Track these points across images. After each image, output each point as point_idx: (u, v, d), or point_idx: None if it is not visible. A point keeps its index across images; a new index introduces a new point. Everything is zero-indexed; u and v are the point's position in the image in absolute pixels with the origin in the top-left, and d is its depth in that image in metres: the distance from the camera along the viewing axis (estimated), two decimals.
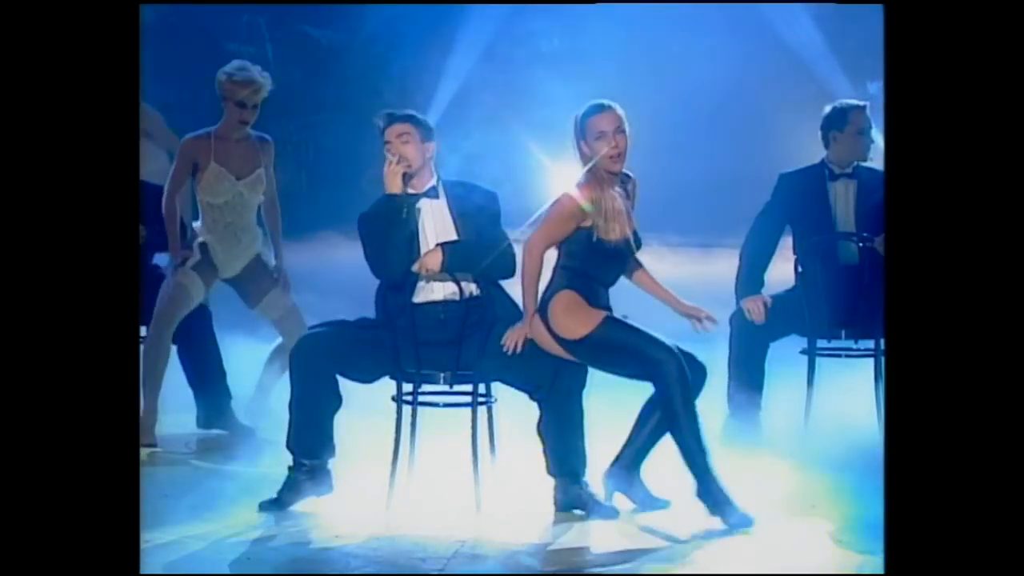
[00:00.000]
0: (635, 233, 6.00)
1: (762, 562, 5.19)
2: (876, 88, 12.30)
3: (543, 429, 5.96)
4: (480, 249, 6.03)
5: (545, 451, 5.96)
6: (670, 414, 5.73)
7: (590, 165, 5.96)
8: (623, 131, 5.96)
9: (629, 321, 5.91)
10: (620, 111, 5.99)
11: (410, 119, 6.11)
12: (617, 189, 5.97)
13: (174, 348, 7.39)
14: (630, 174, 6.10)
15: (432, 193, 6.12)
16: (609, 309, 5.96)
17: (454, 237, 6.08)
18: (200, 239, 7.50)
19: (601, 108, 5.99)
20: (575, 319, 5.85)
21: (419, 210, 6.08)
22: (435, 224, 6.09)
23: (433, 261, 5.98)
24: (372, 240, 6.01)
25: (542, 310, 5.89)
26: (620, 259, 6.02)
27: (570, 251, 5.95)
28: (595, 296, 5.94)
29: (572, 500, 5.89)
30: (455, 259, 5.99)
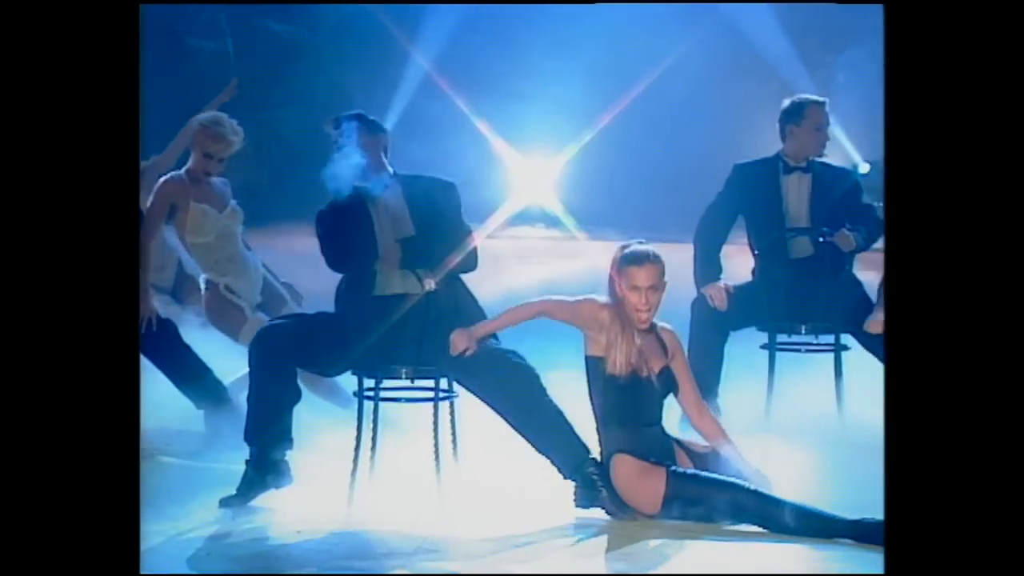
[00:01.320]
0: (668, 376, 5.81)
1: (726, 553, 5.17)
2: (843, 80, 12.34)
3: (523, 434, 5.86)
4: (441, 242, 5.98)
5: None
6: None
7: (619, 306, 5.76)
8: (658, 288, 5.74)
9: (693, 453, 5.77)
10: (661, 264, 5.74)
11: (355, 118, 6.09)
12: (644, 334, 5.78)
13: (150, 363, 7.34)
14: (667, 327, 5.91)
15: (385, 187, 6.07)
16: (669, 447, 5.75)
17: (411, 230, 6.03)
18: (223, 283, 7.41)
19: (643, 260, 5.72)
20: (641, 492, 5.61)
21: (374, 205, 6.03)
22: (391, 218, 6.05)
23: (393, 255, 5.93)
24: (327, 236, 6.00)
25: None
26: (645, 397, 5.74)
27: (594, 398, 5.79)
28: (646, 444, 5.70)
29: (589, 500, 5.75)
30: (415, 253, 5.94)
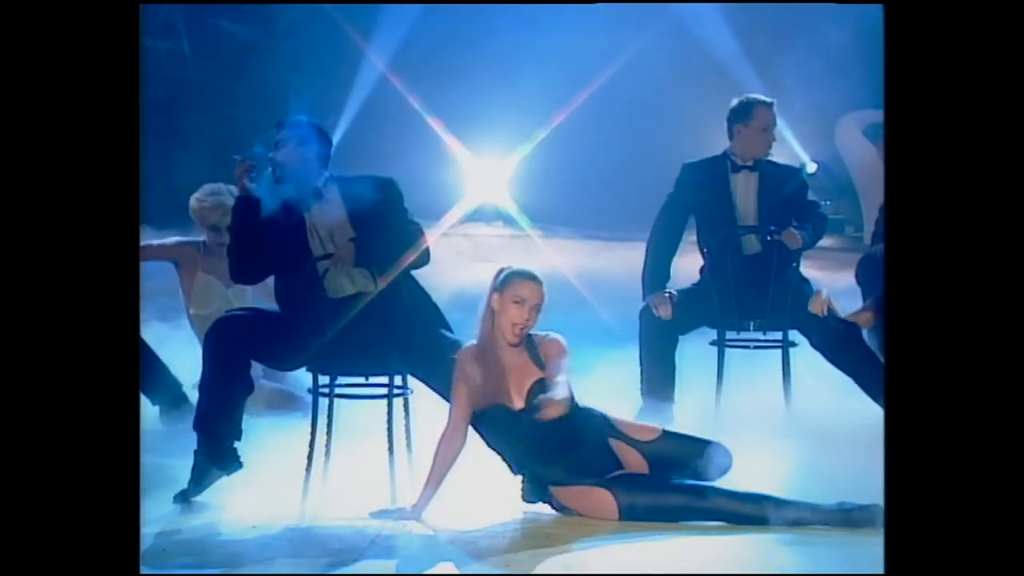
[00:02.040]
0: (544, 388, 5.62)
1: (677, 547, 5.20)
2: (791, 81, 12.40)
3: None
4: (387, 240, 5.97)
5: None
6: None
7: (487, 326, 5.70)
8: (538, 310, 5.68)
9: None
10: (544, 290, 5.71)
11: (296, 122, 6.10)
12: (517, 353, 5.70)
13: None
14: (551, 337, 5.76)
15: (322, 191, 6.06)
16: (603, 452, 5.68)
17: (349, 231, 6.02)
18: None
19: (532, 277, 5.70)
20: (594, 510, 5.54)
21: (308, 210, 6.02)
22: (325, 221, 6.04)
23: (346, 256, 5.94)
24: (243, 238, 6.00)
25: None
26: (537, 426, 5.56)
27: (499, 449, 5.74)
28: (574, 464, 5.60)
29: (535, 496, 5.73)
30: (363, 253, 5.95)
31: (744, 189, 7.39)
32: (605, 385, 7.30)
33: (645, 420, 6.95)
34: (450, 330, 6.12)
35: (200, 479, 5.91)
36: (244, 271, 6.09)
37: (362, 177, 6.13)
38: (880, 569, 4.30)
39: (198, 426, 5.96)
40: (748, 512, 5.40)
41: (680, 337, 7.32)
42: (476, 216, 14.29)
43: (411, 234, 6.02)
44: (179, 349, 7.85)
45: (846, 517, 5.33)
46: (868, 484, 5.28)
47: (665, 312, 7.23)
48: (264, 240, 5.97)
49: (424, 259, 6.05)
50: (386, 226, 6.01)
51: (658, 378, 7.22)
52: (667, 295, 7.27)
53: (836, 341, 7.17)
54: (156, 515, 5.64)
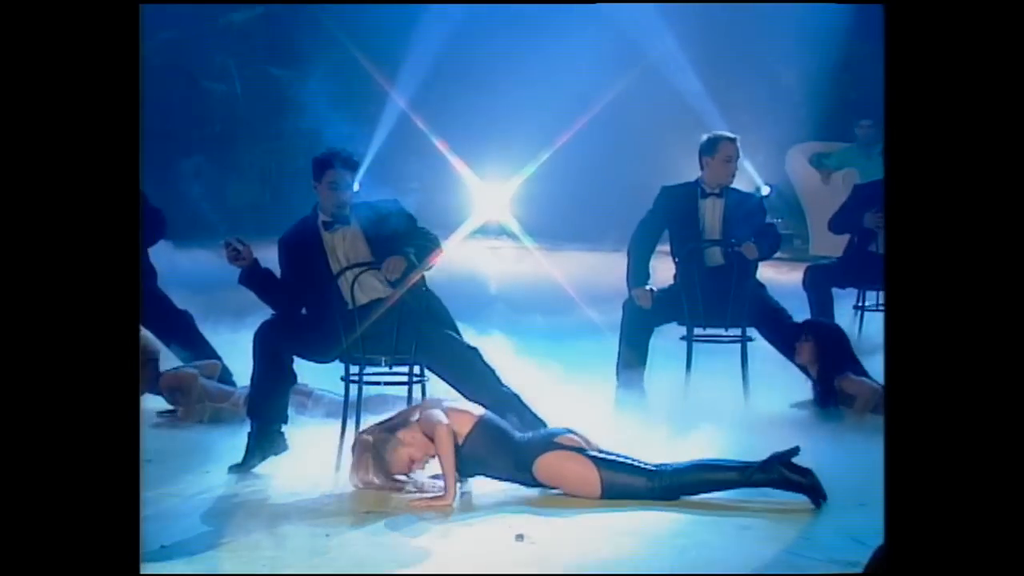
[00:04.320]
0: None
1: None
2: (746, 119, 12.38)
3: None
4: (407, 250, 5.93)
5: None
6: None
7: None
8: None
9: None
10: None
11: (330, 161, 6.02)
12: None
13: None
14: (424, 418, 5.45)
15: (343, 219, 6.06)
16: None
17: (366, 252, 6.02)
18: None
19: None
20: (573, 478, 5.34)
21: (332, 239, 6.04)
22: (345, 245, 6.05)
23: (397, 268, 5.88)
24: (259, 296, 6.06)
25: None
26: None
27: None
28: None
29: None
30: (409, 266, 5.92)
31: (711, 212, 7.40)
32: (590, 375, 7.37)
33: (620, 400, 7.02)
34: (458, 332, 6.14)
35: (251, 458, 5.90)
36: (279, 307, 6.08)
37: (371, 203, 6.13)
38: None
39: (251, 412, 5.96)
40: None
41: (655, 329, 7.32)
42: (480, 231, 14.29)
43: (427, 244, 6.01)
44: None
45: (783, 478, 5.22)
46: (810, 459, 5.30)
47: (645, 302, 7.26)
48: (282, 280, 6.02)
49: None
50: (400, 242, 5.97)
51: (633, 361, 7.24)
52: (648, 289, 7.30)
53: (786, 336, 7.25)
54: (210, 483, 5.64)
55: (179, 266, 10.19)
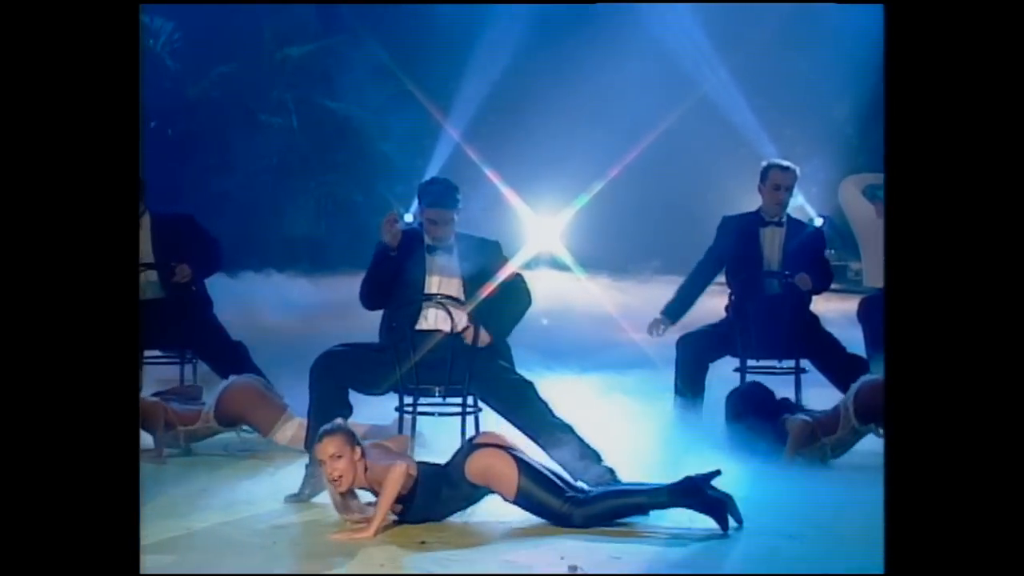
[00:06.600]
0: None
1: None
2: (800, 150, 12.31)
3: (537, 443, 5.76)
4: (497, 291, 6.02)
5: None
6: None
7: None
8: (342, 456, 5.26)
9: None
10: (338, 436, 5.29)
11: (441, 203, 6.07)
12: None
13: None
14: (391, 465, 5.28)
15: (448, 248, 6.11)
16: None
17: (458, 279, 6.06)
18: None
19: (322, 435, 5.32)
20: (496, 473, 5.31)
21: (431, 256, 6.08)
22: (440, 268, 6.07)
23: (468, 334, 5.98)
24: (369, 280, 6.04)
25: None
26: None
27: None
28: None
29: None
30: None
31: (771, 242, 7.37)
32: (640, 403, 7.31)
33: (677, 434, 6.95)
34: (512, 364, 6.11)
35: (308, 488, 5.84)
36: (370, 302, 6.11)
37: (474, 236, 6.20)
38: (880, 569, 3.88)
39: (308, 445, 5.93)
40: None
41: (710, 364, 7.27)
42: (533, 262, 14.33)
43: (518, 290, 6.07)
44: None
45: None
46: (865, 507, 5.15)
47: (656, 331, 7.33)
48: (391, 281, 6.01)
49: (527, 302, 6.10)
50: (484, 280, 6.02)
51: (690, 396, 7.18)
52: (659, 320, 7.35)
53: (840, 367, 7.13)
54: (268, 511, 5.62)
55: (235, 294, 10.25)
